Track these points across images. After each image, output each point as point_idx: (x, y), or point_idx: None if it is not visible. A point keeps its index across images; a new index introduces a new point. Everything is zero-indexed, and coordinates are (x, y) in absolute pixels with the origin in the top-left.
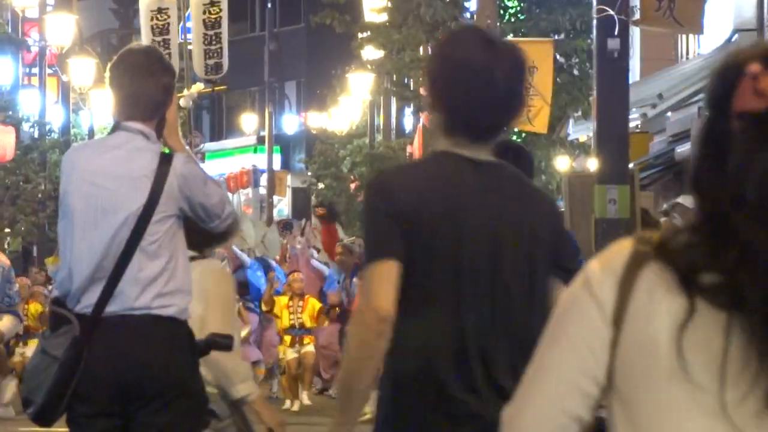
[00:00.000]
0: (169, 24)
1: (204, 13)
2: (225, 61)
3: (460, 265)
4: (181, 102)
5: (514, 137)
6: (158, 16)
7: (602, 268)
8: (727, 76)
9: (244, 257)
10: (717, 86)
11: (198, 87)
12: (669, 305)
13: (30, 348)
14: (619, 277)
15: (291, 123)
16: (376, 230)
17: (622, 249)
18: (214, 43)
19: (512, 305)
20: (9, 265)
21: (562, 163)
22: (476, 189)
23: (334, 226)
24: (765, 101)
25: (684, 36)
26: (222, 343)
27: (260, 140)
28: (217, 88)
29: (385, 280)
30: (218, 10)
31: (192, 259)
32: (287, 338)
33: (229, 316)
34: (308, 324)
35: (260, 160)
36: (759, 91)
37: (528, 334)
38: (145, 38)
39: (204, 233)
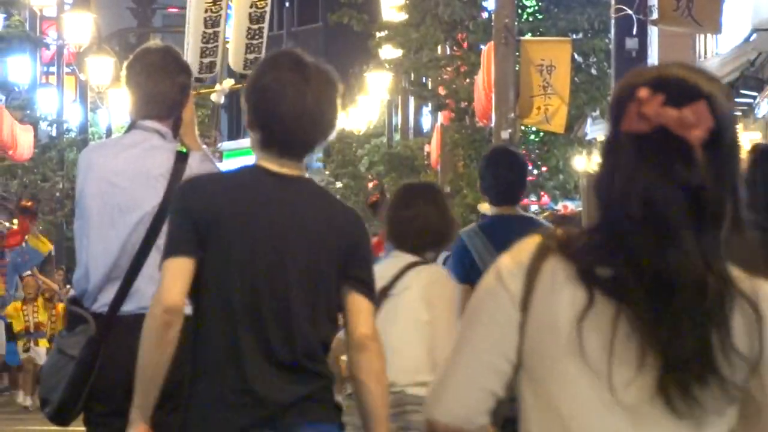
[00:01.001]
0: (220, 16)
1: (251, 6)
2: (263, 57)
3: (246, 269)
4: (213, 97)
5: (533, 137)
6: (212, 7)
7: (512, 261)
8: (622, 97)
9: None
10: (614, 105)
11: (229, 83)
12: (569, 293)
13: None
14: (526, 268)
15: None
16: (173, 230)
17: (529, 244)
18: (257, 37)
19: (292, 311)
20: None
21: (580, 162)
22: (272, 201)
23: None
24: (648, 124)
25: (702, 35)
26: None
27: None
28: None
29: (175, 276)
30: (264, 4)
31: (414, 264)
32: None
33: (454, 322)
34: None
35: None
36: (643, 115)
37: (307, 340)
38: (194, 31)
39: (427, 238)
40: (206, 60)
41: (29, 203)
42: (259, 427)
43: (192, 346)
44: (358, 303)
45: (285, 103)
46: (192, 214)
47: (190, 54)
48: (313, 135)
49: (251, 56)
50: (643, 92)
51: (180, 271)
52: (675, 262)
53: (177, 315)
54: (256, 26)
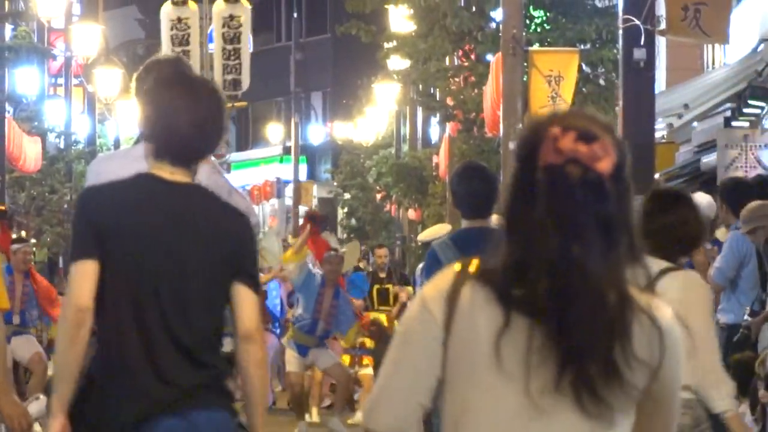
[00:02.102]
0: (189, 35)
1: (223, 26)
2: (245, 78)
3: (143, 268)
4: None
5: None
6: (178, 26)
7: (434, 289)
8: (531, 137)
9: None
10: (525, 144)
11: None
12: (487, 313)
13: None
14: (446, 294)
15: (317, 133)
16: (75, 235)
17: (449, 273)
18: (232, 57)
19: (189, 306)
20: None
21: None
22: (165, 206)
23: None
24: (562, 157)
25: (710, 46)
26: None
27: (286, 150)
28: (237, 104)
29: (83, 278)
30: (238, 24)
31: (668, 270)
32: (346, 358)
33: (711, 326)
34: (368, 344)
35: (286, 171)
36: (558, 149)
37: (204, 333)
38: (165, 48)
39: (685, 243)
40: (229, 77)
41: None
42: (161, 411)
43: (98, 341)
44: (244, 295)
45: (178, 118)
46: (92, 220)
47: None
48: (203, 146)
49: (229, 77)
50: (556, 130)
51: (87, 274)
52: (582, 282)
53: (88, 314)
54: (230, 46)
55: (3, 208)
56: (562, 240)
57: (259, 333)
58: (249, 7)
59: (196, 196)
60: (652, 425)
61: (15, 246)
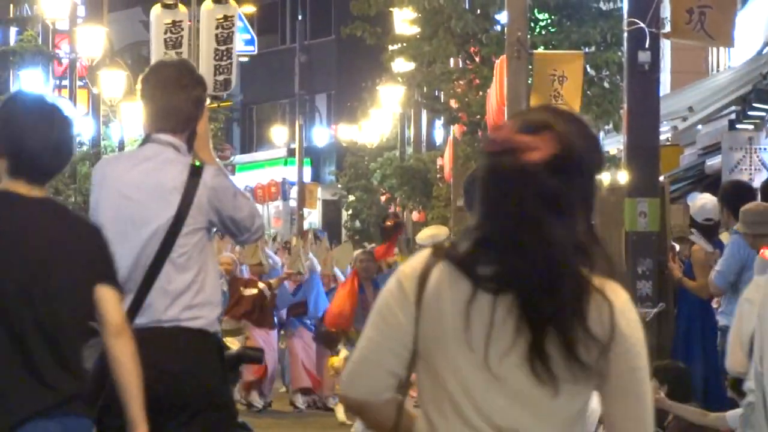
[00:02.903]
0: (182, 38)
1: (217, 27)
2: (234, 78)
3: (6, 279)
4: None
5: None
6: (172, 29)
7: (408, 268)
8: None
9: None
10: (485, 138)
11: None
12: (454, 290)
13: None
14: (418, 273)
15: (321, 135)
16: None
17: (423, 254)
18: (224, 58)
19: (52, 310)
20: None
21: None
22: (23, 220)
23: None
24: (499, 146)
25: (715, 49)
26: (252, 355)
27: (291, 152)
28: (222, 104)
29: None
30: (231, 25)
31: None
32: None
33: None
34: None
35: (291, 173)
36: (495, 139)
37: (68, 330)
38: (157, 52)
39: None
40: (220, 77)
41: None
42: (37, 415)
43: None
44: (107, 294)
45: (33, 139)
46: None
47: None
48: (56, 165)
49: (221, 78)
50: (506, 123)
51: None
52: (535, 261)
53: None
54: (223, 47)
55: None
56: (507, 224)
57: (127, 327)
58: (236, 6)
59: (52, 209)
60: (616, 412)
61: None
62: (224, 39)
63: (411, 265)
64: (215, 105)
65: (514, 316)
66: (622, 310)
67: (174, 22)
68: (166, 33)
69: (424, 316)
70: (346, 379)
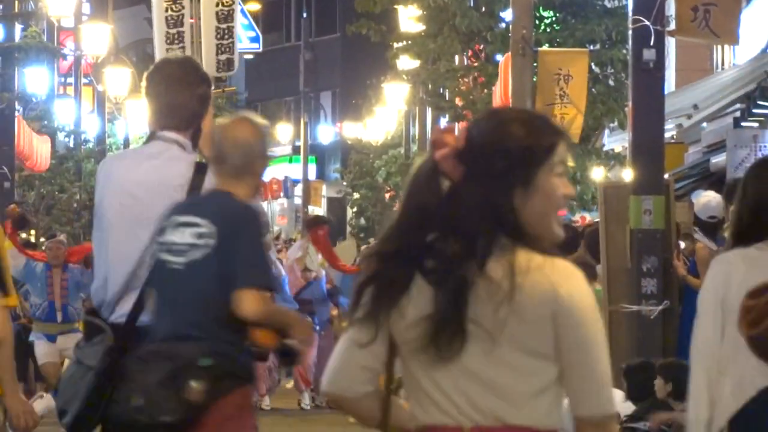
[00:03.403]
0: (183, 15)
1: (217, 5)
2: (236, 57)
3: None
4: None
5: None
6: (173, 6)
7: None
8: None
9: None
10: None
11: None
12: (408, 289)
13: None
14: None
15: (326, 133)
16: None
17: None
18: (226, 37)
19: None
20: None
21: (598, 173)
22: None
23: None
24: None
25: (719, 46)
26: (257, 353)
27: (296, 150)
28: (227, 89)
29: None
30: (231, 2)
31: None
32: None
33: None
34: None
35: (295, 170)
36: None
37: None
38: (158, 30)
39: None
40: (223, 57)
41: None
42: None
43: None
44: None
45: None
46: None
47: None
48: None
49: (223, 57)
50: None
51: None
52: (456, 252)
53: None
54: (224, 25)
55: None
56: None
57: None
58: None
59: None
60: (570, 384)
61: (47, 242)
62: (225, 17)
63: None
64: (220, 90)
65: (450, 303)
66: (558, 288)
67: (174, 0)
68: (167, 11)
69: (393, 316)
70: (325, 375)
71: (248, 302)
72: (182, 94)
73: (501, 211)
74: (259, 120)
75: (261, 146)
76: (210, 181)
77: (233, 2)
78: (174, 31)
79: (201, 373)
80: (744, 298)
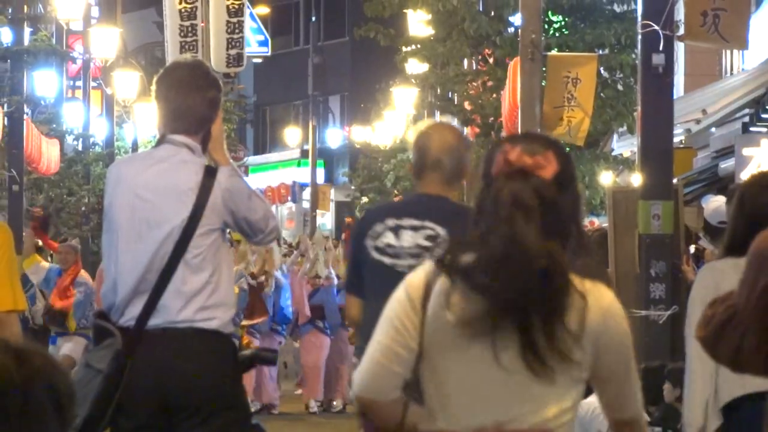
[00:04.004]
0: (196, 8)
1: None
2: (245, 53)
3: None
4: None
5: None
6: None
7: (415, 279)
8: (490, 154)
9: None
10: (485, 160)
11: None
12: (455, 298)
13: None
14: (423, 282)
15: (335, 137)
16: None
17: (426, 266)
18: (237, 31)
19: None
20: (93, 287)
21: (606, 178)
22: None
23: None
24: (511, 167)
25: (728, 51)
26: (266, 357)
27: (304, 154)
28: (236, 87)
29: None
30: None
31: None
32: None
33: None
34: None
35: (304, 174)
36: (507, 161)
37: None
38: (171, 23)
39: None
40: (233, 51)
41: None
42: None
43: None
44: None
45: None
46: None
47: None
48: None
49: (233, 52)
50: (508, 146)
51: None
52: (528, 272)
53: None
54: (235, 19)
55: (40, 212)
56: (514, 237)
57: None
58: None
59: None
60: (607, 395)
61: (59, 246)
62: (235, 11)
63: (417, 276)
64: (229, 88)
65: (507, 320)
66: (597, 309)
67: None
68: (180, 3)
69: (428, 321)
70: (359, 379)
71: None
72: (192, 98)
73: (581, 233)
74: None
75: (468, 152)
76: (220, 186)
77: None
78: (188, 23)
79: None
80: (706, 307)
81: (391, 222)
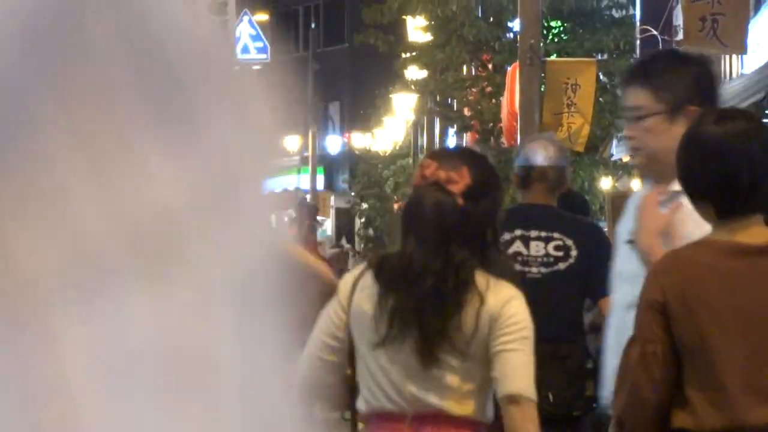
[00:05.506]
0: (226, 2)
1: None
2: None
3: None
4: None
5: None
6: None
7: (347, 278)
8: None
9: None
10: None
11: None
12: (371, 293)
13: None
14: (351, 279)
15: (334, 143)
16: None
17: (357, 269)
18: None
19: None
20: None
21: (605, 183)
22: None
23: None
24: (426, 180)
25: (727, 56)
26: None
27: (304, 161)
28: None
29: None
30: None
31: None
32: None
33: None
34: None
35: (304, 181)
36: (423, 175)
37: None
38: None
39: None
40: None
41: None
42: None
43: None
44: None
45: None
46: None
47: None
48: None
49: None
50: (426, 162)
51: None
52: (430, 271)
53: None
54: (218, 18)
55: None
56: (426, 239)
57: None
58: None
59: None
60: (497, 371)
61: None
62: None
63: (349, 275)
64: None
65: (409, 315)
66: (495, 303)
67: None
68: None
69: (352, 313)
70: (299, 370)
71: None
72: None
73: (495, 235)
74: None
75: (569, 165)
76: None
77: None
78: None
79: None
80: None
81: (517, 233)
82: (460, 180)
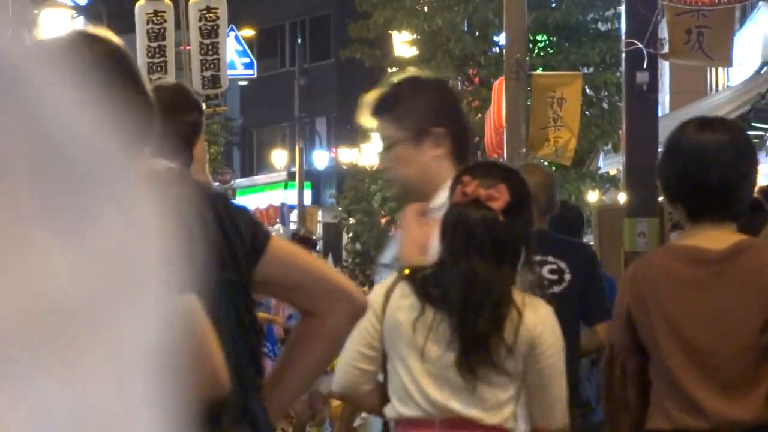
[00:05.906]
0: (165, 29)
1: (200, 19)
2: (224, 75)
3: None
4: None
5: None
6: (154, 19)
7: (378, 289)
8: (454, 183)
9: None
10: (450, 191)
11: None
12: (408, 304)
13: None
14: (384, 290)
15: (321, 158)
16: None
17: (389, 279)
18: (210, 53)
19: None
20: None
21: (592, 196)
22: None
23: None
24: (467, 198)
25: (713, 69)
26: None
27: (291, 176)
28: (218, 109)
29: None
30: (215, 17)
31: None
32: None
33: None
34: None
35: (291, 196)
36: (464, 192)
37: None
38: (140, 43)
39: None
40: (207, 74)
41: None
42: None
43: None
44: None
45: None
46: None
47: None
48: None
49: (207, 74)
50: (466, 179)
51: None
52: (475, 286)
53: None
54: (208, 41)
55: None
56: (466, 256)
57: None
58: None
59: None
60: (532, 402)
61: None
62: (209, 32)
63: (380, 286)
64: (211, 110)
65: (448, 328)
66: (533, 322)
67: (156, 12)
68: (148, 24)
69: (386, 323)
70: (335, 378)
71: (603, 334)
72: (172, 121)
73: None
74: None
75: (556, 189)
76: None
77: (217, 18)
78: (155, 44)
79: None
80: None
81: None
82: (499, 197)
